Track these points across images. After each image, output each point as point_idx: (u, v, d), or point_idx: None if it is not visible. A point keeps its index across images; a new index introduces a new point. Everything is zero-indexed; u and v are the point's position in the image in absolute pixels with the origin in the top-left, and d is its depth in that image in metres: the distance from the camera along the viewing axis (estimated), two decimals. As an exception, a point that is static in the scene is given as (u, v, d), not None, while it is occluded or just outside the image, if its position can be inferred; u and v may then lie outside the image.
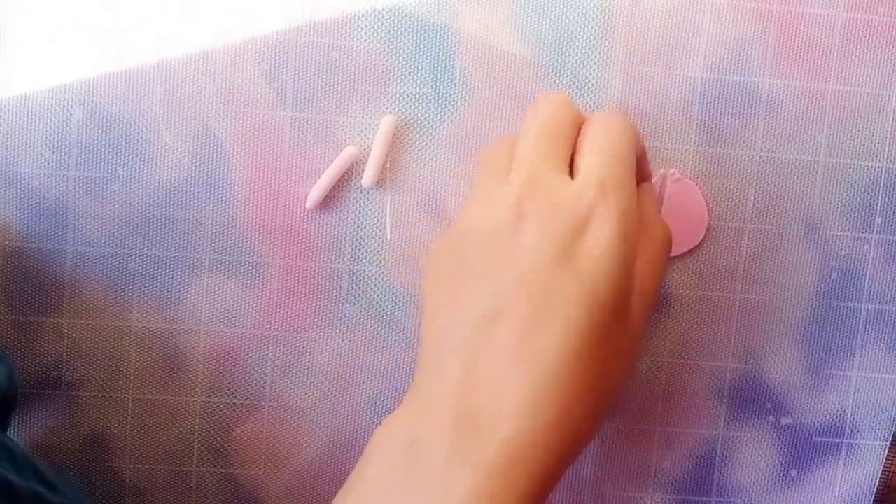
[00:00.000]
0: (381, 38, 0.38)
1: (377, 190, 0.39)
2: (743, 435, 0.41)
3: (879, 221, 0.40)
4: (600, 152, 0.32)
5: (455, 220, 0.34)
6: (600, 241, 0.30)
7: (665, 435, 0.41)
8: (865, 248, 0.40)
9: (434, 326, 0.31)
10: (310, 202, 0.38)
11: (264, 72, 0.38)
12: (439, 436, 0.29)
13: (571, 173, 0.32)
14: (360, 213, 0.39)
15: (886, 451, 0.41)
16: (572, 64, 0.39)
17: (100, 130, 0.38)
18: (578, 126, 0.34)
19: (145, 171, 0.38)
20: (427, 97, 0.38)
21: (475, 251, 0.31)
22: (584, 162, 0.32)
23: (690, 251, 0.40)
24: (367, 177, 0.38)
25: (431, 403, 0.30)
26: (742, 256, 0.40)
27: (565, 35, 0.38)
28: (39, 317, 0.38)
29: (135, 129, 0.38)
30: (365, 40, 0.38)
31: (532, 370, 0.29)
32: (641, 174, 0.35)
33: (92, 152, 0.38)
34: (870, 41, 0.39)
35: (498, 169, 0.34)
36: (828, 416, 0.41)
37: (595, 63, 0.39)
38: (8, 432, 0.37)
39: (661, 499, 0.41)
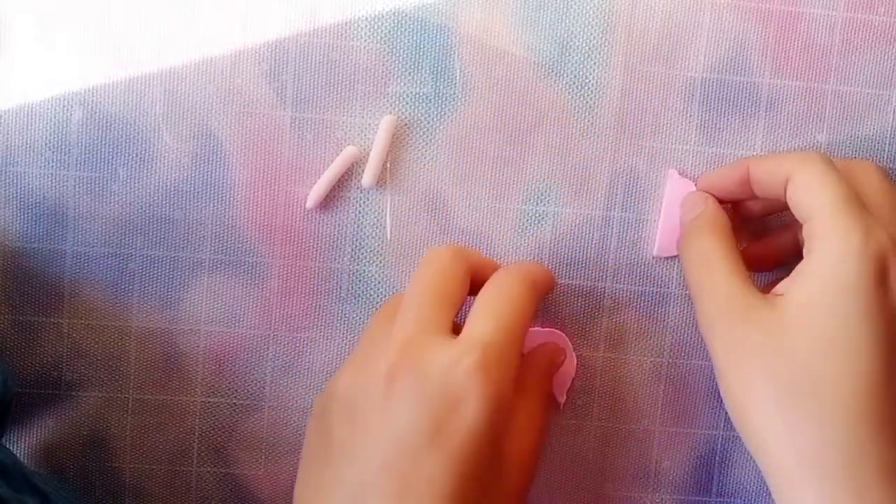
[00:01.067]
0: (381, 38, 0.38)
1: (377, 190, 0.39)
2: (743, 435, 0.41)
3: (879, 221, 0.40)
4: (488, 317, 0.32)
5: (336, 373, 0.34)
6: (469, 418, 0.30)
7: (665, 435, 0.41)
8: (865, 248, 0.40)
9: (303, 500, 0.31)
10: (310, 202, 0.38)
11: (264, 72, 0.38)
12: None
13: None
14: (360, 213, 0.39)
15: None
16: (572, 64, 0.39)
17: (100, 130, 0.38)
18: (470, 279, 0.34)
19: (145, 171, 0.38)
20: (427, 97, 0.38)
21: (344, 426, 0.31)
22: (469, 323, 0.32)
23: None
24: (367, 177, 0.38)
25: None
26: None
27: (565, 35, 0.38)
28: (39, 317, 0.38)
29: (135, 130, 0.38)
30: (365, 40, 0.38)
31: None
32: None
33: (92, 152, 0.38)
34: (870, 41, 0.39)
35: (379, 329, 0.33)
36: (828, 416, 0.41)
37: (595, 63, 0.39)
38: (4, 438, 0.37)
39: (661, 499, 0.41)
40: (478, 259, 0.36)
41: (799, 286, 0.32)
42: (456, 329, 0.33)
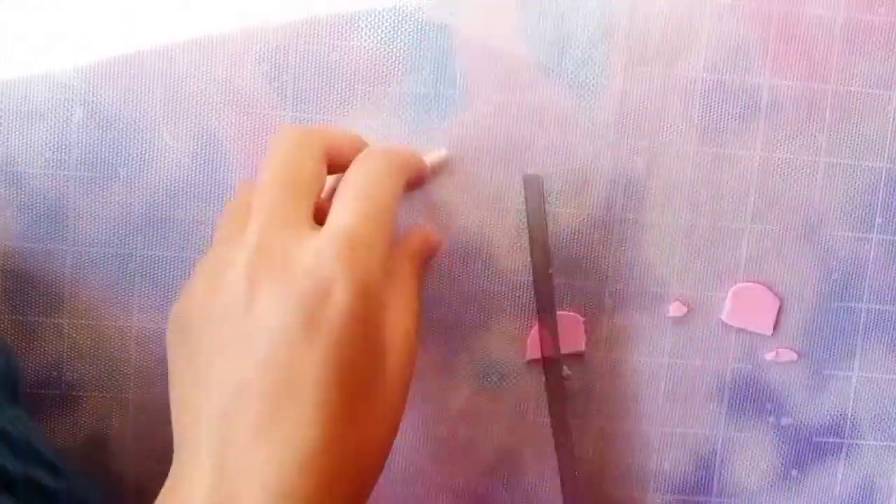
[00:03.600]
0: (381, 38, 0.38)
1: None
2: (743, 435, 0.41)
3: (879, 221, 0.40)
4: (351, 203, 0.31)
5: (189, 281, 0.32)
6: (339, 305, 0.29)
7: (665, 435, 0.41)
8: (865, 248, 0.40)
9: (185, 409, 0.30)
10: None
11: (265, 72, 0.38)
12: None
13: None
14: (360, 213, 0.39)
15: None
16: (572, 64, 0.39)
17: (100, 130, 0.38)
18: (327, 161, 0.32)
19: (145, 171, 0.38)
20: (427, 97, 0.38)
21: (210, 337, 0.30)
22: (333, 211, 0.31)
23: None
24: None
25: (192, 491, 0.29)
26: (742, 256, 0.40)
27: (565, 35, 0.38)
28: (39, 317, 0.38)
29: (135, 129, 0.38)
30: (365, 40, 0.38)
31: (281, 450, 0.28)
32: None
33: (92, 152, 0.38)
34: (870, 41, 0.39)
35: (231, 228, 0.31)
36: (828, 416, 0.41)
37: (595, 63, 0.39)
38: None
39: (661, 499, 0.41)
40: (335, 137, 0.33)
41: None
42: (323, 212, 0.31)
